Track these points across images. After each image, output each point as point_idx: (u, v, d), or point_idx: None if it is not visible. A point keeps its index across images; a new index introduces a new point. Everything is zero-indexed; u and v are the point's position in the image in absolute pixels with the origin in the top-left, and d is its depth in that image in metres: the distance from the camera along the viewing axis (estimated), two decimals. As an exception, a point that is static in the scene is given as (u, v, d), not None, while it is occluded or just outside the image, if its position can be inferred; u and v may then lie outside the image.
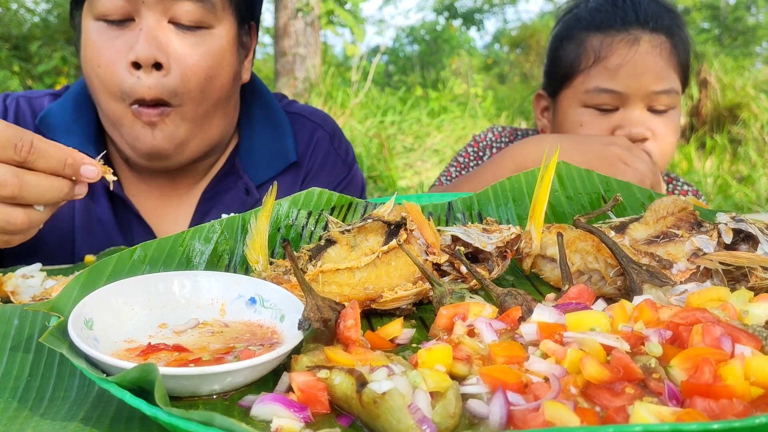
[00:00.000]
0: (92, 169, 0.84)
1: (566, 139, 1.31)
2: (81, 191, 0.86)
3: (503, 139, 1.83)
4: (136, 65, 1.12)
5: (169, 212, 1.33)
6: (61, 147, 0.83)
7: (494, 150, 1.80)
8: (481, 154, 1.80)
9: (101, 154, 1.16)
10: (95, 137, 1.26)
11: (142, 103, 1.14)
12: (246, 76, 1.33)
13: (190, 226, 1.29)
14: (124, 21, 1.13)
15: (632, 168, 1.21)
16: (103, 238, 1.27)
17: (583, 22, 1.54)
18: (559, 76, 1.56)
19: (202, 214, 1.31)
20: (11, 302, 0.87)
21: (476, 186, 1.20)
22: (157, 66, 1.13)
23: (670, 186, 1.73)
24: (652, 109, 1.46)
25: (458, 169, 1.78)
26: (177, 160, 1.24)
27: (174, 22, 1.15)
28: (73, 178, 0.84)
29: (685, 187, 1.72)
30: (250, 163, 1.34)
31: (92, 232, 1.28)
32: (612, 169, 1.20)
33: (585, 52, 1.49)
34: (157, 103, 1.15)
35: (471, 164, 1.78)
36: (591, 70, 1.48)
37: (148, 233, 1.29)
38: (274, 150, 1.36)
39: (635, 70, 1.44)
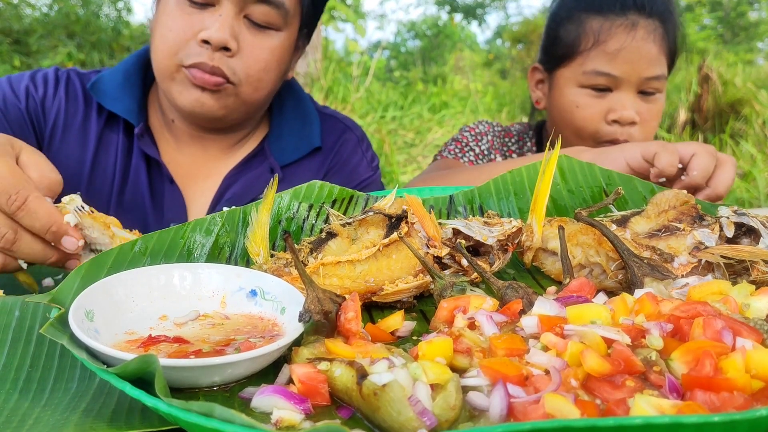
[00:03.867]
0: (72, 241, 0.85)
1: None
2: (71, 265, 0.88)
3: (496, 128, 1.87)
4: (206, 42, 1.21)
5: (198, 180, 1.42)
6: (52, 212, 0.84)
7: (489, 137, 1.82)
8: (479, 138, 1.82)
9: (139, 126, 1.33)
10: (138, 106, 1.36)
11: (201, 67, 1.22)
12: (290, 75, 1.45)
13: (216, 194, 1.40)
14: (205, 5, 1.23)
15: None
16: (134, 194, 1.36)
17: (583, 3, 1.62)
18: (557, 54, 1.64)
19: (226, 186, 1.40)
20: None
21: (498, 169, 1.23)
22: (225, 49, 1.22)
23: None
24: (641, 93, 1.56)
25: (459, 147, 1.80)
26: (214, 122, 1.34)
27: (249, 18, 1.25)
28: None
29: None
30: (277, 147, 1.44)
31: (123, 186, 1.36)
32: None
33: (585, 34, 1.57)
34: (215, 73, 1.23)
35: (471, 144, 1.80)
36: (590, 53, 1.56)
37: (178, 196, 1.38)
38: (300, 136, 1.46)
39: (631, 56, 1.52)
